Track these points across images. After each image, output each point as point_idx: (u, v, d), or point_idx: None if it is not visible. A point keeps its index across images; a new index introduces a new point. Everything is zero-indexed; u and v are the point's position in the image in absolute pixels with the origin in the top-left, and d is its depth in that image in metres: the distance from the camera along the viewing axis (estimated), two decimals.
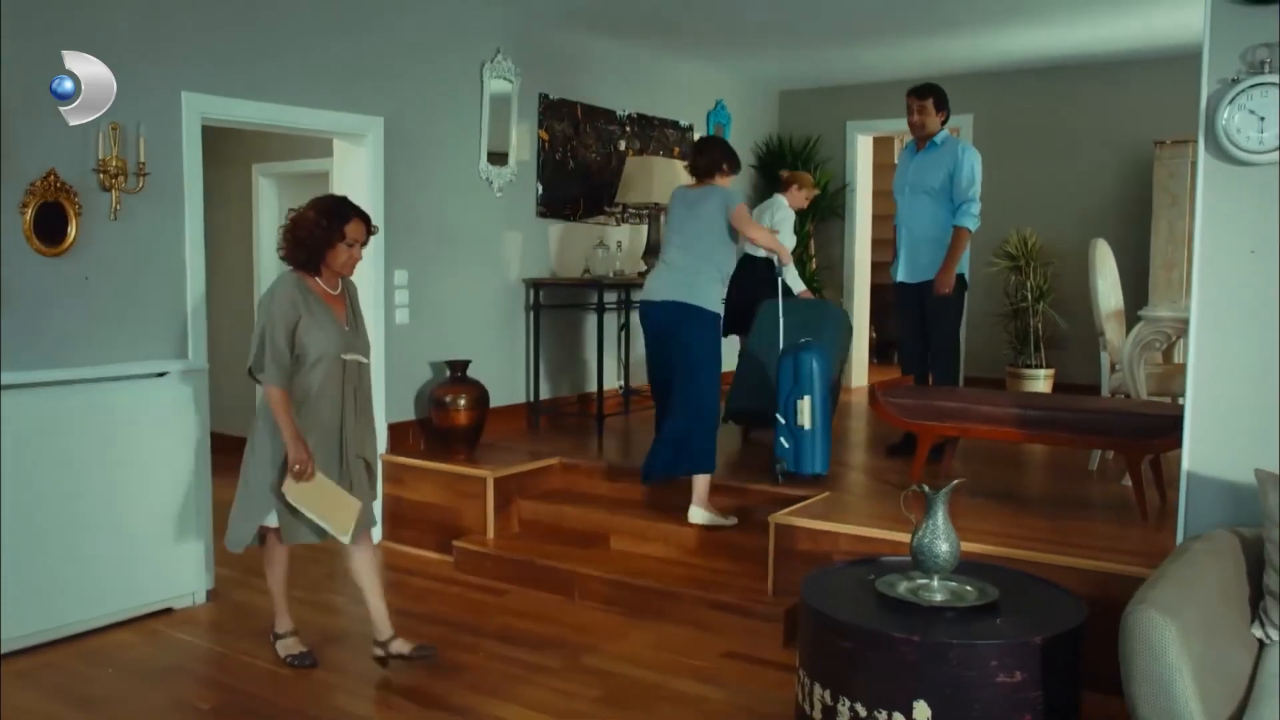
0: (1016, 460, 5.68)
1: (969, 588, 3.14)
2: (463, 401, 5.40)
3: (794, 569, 4.19)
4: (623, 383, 6.86)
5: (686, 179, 6.86)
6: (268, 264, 7.29)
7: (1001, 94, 8.03)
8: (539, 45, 6.32)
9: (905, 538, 3.88)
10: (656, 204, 6.57)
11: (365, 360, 3.79)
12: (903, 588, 3.17)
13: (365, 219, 3.68)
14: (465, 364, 5.49)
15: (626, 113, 7.09)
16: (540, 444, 5.85)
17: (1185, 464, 3.39)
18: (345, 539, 3.68)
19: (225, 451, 4.69)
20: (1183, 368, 5.36)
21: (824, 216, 8.67)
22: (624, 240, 7.01)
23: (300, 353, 3.58)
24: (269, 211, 7.30)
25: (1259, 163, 3.18)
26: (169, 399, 4.36)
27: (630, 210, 7.06)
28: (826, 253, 8.82)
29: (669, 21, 6.42)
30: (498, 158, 6.05)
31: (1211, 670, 2.53)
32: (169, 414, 4.36)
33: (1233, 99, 3.20)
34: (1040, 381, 7.70)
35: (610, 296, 6.47)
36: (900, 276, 5.49)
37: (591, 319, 6.54)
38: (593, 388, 6.71)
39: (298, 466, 3.55)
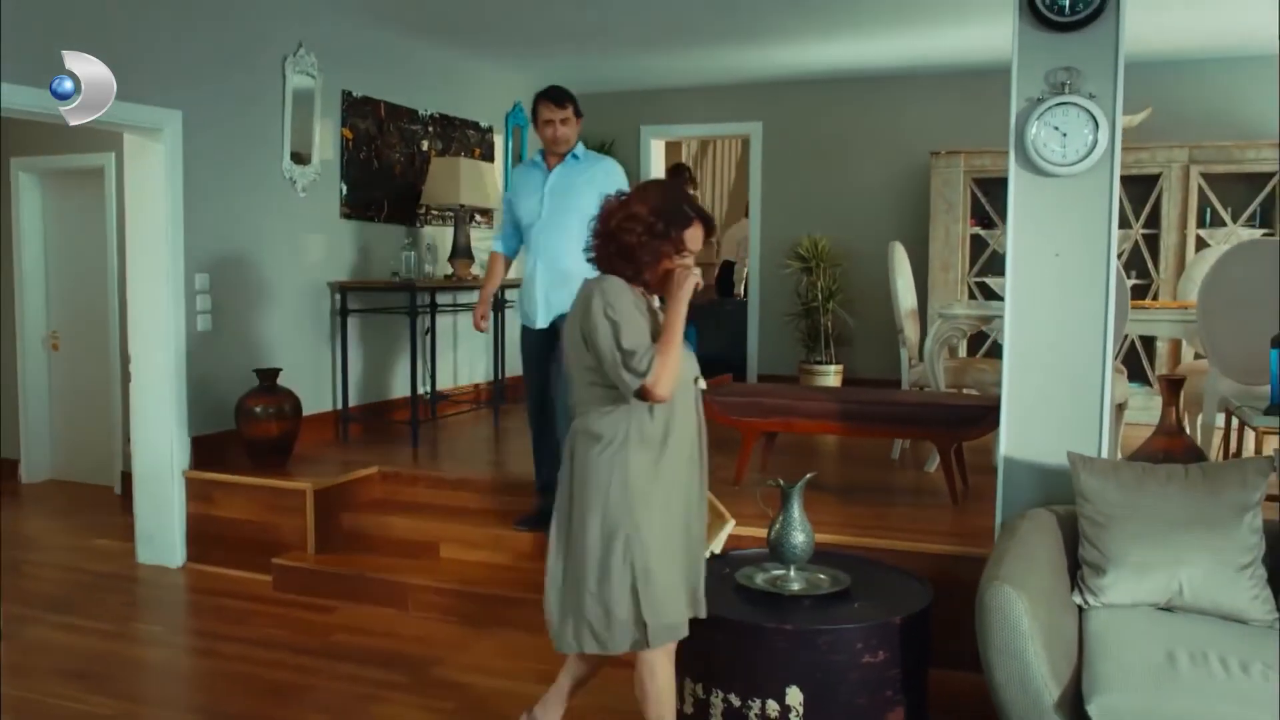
0: (820, 452, 5.97)
1: (822, 576, 3.29)
2: (274, 411, 5.14)
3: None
4: (429, 388, 6.71)
5: (494, 181, 6.87)
6: (31, 273, 6.68)
7: (790, 103, 8.40)
8: (341, 41, 6.10)
9: (744, 530, 4.03)
10: (462, 205, 6.49)
11: (704, 385, 2.91)
12: (760, 579, 3.29)
13: (708, 221, 2.78)
14: (275, 372, 5.22)
15: (429, 112, 6.95)
16: (355, 453, 5.64)
17: (1002, 449, 3.68)
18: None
19: None
20: (974, 362, 5.83)
21: None
22: (436, 243, 6.86)
23: None
24: (30, 213, 6.68)
25: (1062, 174, 3.50)
26: None
27: (434, 212, 6.92)
28: None
29: (467, 21, 6.35)
30: (301, 156, 5.79)
31: (1054, 637, 2.77)
32: None
33: (1039, 116, 3.50)
34: (830, 377, 8.11)
35: (419, 300, 6.31)
36: (540, 321, 4.41)
37: (398, 322, 6.38)
38: (399, 394, 6.57)
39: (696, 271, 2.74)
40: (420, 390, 6.32)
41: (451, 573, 4.57)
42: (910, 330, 5.70)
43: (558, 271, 4.29)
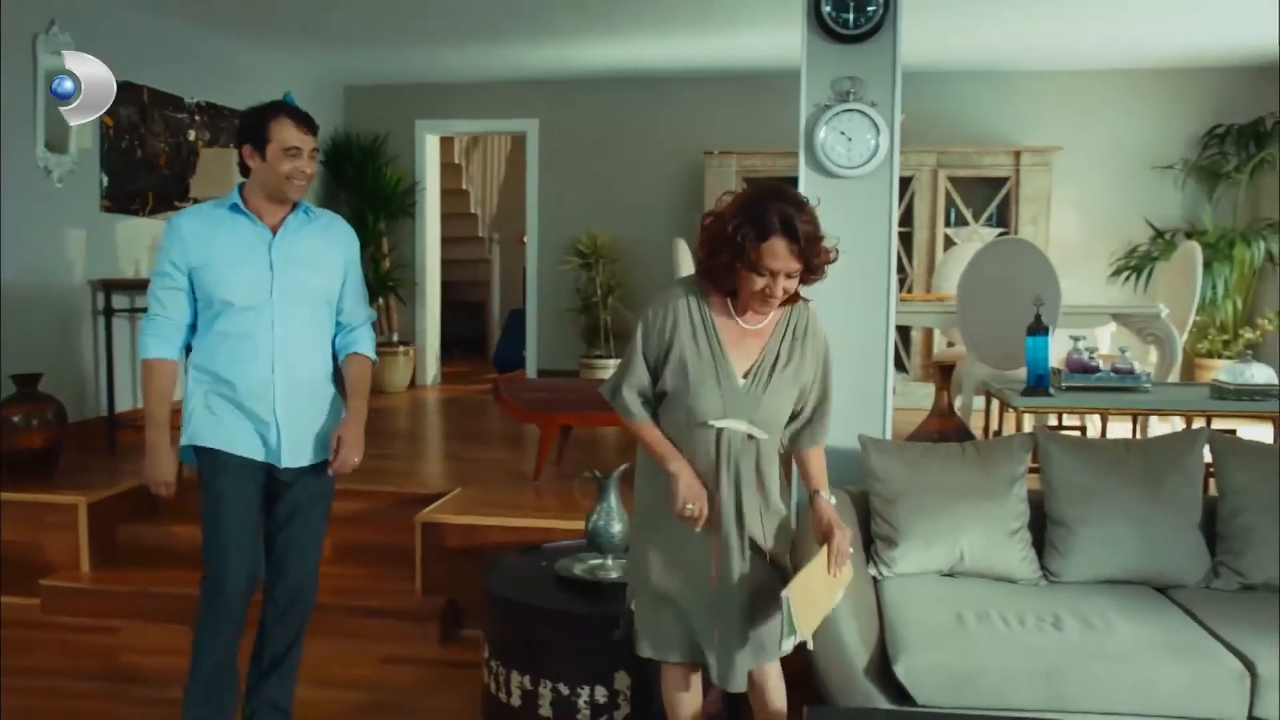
0: (606, 444, 6.09)
1: None
2: (36, 421, 4.75)
3: (443, 566, 4.23)
4: None
5: None
6: None
7: (568, 100, 8.50)
8: (98, 20, 5.68)
9: (550, 523, 4.13)
10: None
11: (759, 435, 2.46)
12: (579, 569, 3.36)
13: (792, 235, 2.29)
14: (36, 378, 4.82)
15: (195, 100, 6.58)
16: (127, 462, 5.28)
17: None
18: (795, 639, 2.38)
19: None
20: None
21: (394, 215, 8.65)
22: None
23: (664, 400, 2.48)
24: None
25: (848, 176, 3.76)
26: None
27: None
28: (399, 252, 8.79)
29: (235, 4, 6.08)
30: (56, 144, 5.36)
31: (860, 607, 3.00)
32: None
33: (827, 121, 3.74)
34: (611, 371, 8.27)
35: None
36: (284, 458, 2.89)
37: None
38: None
39: (688, 507, 2.39)
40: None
41: None
42: None
43: (302, 382, 2.91)
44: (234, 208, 2.83)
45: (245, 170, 2.84)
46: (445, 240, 9.42)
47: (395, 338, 8.47)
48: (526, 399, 4.95)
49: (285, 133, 2.78)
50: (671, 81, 8.23)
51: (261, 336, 2.82)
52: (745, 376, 2.44)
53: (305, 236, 2.90)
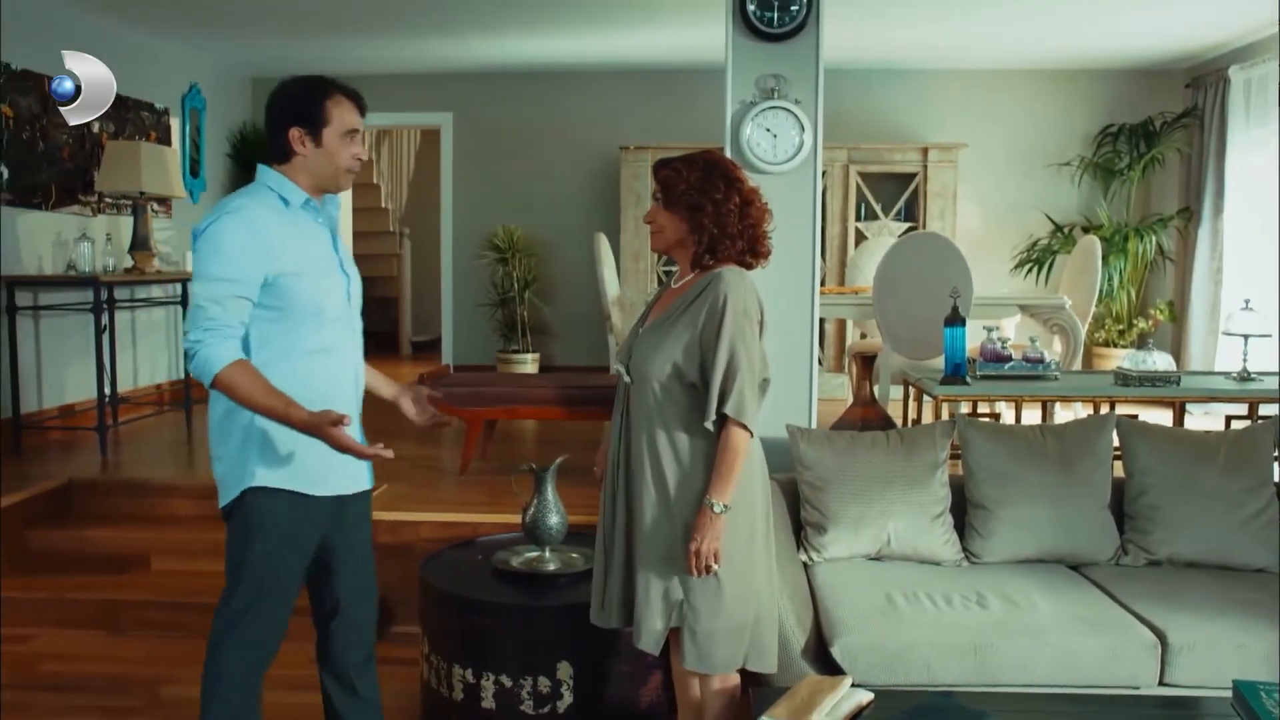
0: (525, 437, 6.11)
1: (574, 554, 3.43)
2: None
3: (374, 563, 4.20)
4: (110, 391, 6.20)
5: (174, 165, 6.41)
6: None
7: (482, 94, 8.46)
8: None
9: (480, 517, 4.13)
10: (143, 193, 6.02)
11: (625, 377, 2.59)
12: (516, 562, 3.38)
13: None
14: None
15: None
16: (35, 465, 5.11)
17: None
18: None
19: None
20: None
21: None
22: (113, 233, 6.30)
23: None
24: None
25: (774, 171, 3.85)
26: None
27: (108, 200, 6.38)
28: None
29: None
30: None
31: (794, 592, 3.08)
32: None
33: (752, 118, 3.82)
34: (528, 365, 8.29)
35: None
36: (361, 481, 2.78)
37: (73, 321, 5.84)
38: (76, 398, 6.03)
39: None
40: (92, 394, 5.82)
41: (168, 586, 4.28)
42: (617, 317, 5.97)
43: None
44: (307, 205, 2.44)
45: (281, 155, 2.42)
46: (356, 235, 9.30)
47: None
48: (453, 393, 4.93)
49: (347, 114, 2.43)
50: (587, 76, 8.26)
51: (346, 350, 2.55)
52: (641, 327, 2.65)
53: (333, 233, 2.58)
